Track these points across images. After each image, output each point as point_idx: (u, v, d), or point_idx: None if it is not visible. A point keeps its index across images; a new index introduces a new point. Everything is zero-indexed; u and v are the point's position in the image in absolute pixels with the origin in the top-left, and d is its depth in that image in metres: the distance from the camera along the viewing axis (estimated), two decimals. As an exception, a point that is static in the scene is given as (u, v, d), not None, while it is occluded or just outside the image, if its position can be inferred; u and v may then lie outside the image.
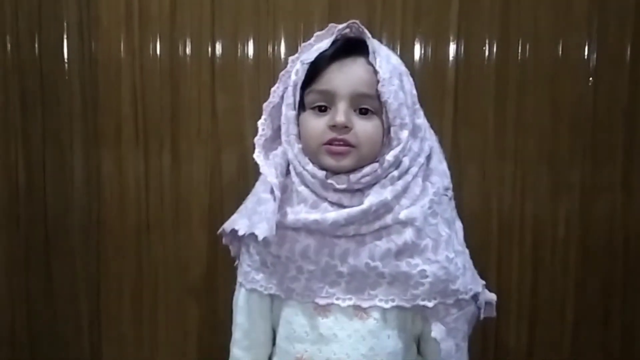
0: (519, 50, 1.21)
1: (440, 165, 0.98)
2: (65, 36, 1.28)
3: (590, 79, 1.21)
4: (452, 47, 1.22)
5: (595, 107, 1.21)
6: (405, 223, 0.90)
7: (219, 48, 1.26)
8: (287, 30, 1.24)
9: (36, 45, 1.29)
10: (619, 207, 1.23)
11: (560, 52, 1.21)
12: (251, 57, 1.25)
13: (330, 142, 0.91)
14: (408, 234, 0.90)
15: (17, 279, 1.33)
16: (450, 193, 0.98)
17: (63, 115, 1.29)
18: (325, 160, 0.92)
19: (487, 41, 1.21)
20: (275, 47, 1.24)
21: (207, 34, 1.25)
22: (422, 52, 1.22)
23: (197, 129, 1.27)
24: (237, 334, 1.00)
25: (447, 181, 0.97)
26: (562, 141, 1.22)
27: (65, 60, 1.28)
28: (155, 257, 1.30)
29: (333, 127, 0.90)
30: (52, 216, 1.32)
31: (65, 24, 1.28)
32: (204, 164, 1.27)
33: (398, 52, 1.21)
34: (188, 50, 1.26)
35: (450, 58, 1.22)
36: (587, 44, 1.20)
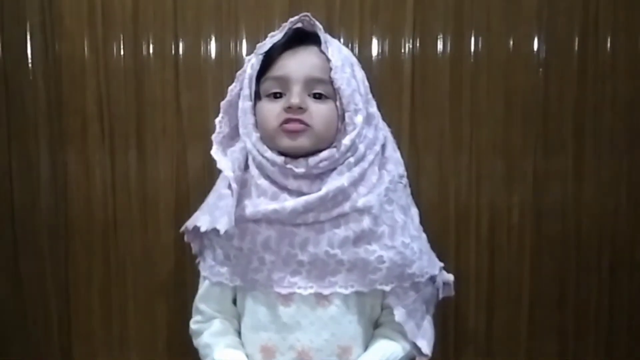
0: (472, 44, 1.25)
1: (394, 153, 1.01)
2: (28, 36, 1.29)
3: (540, 69, 1.25)
4: (408, 42, 1.25)
5: (546, 98, 1.25)
6: (362, 211, 0.93)
7: (182, 47, 1.27)
8: (248, 29, 1.26)
9: (-1, 47, 1.30)
10: (570, 194, 1.27)
11: (511, 45, 1.25)
12: (214, 55, 1.27)
13: (286, 122, 0.93)
14: (365, 222, 0.93)
15: (-16, 280, 1.34)
16: (405, 180, 1.01)
17: (28, 115, 1.30)
18: (282, 141, 0.94)
19: (441, 36, 1.25)
20: (237, 45, 1.26)
21: (169, 33, 1.27)
22: (380, 47, 1.26)
23: (162, 127, 1.29)
24: (198, 317, 1.03)
25: (401, 169, 1.01)
26: (515, 131, 1.26)
27: (29, 61, 1.29)
28: (123, 254, 1.31)
29: (288, 108, 0.92)
30: (19, 216, 1.32)
31: (28, 24, 1.28)
32: (170, 161, 1.29)
33: (357, 48, 1.26)
34: (151, 49, 1.28)
35: (407, 53, 1.25)
36: (537, 36, 1.24)
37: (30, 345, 1.34)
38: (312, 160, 0.93)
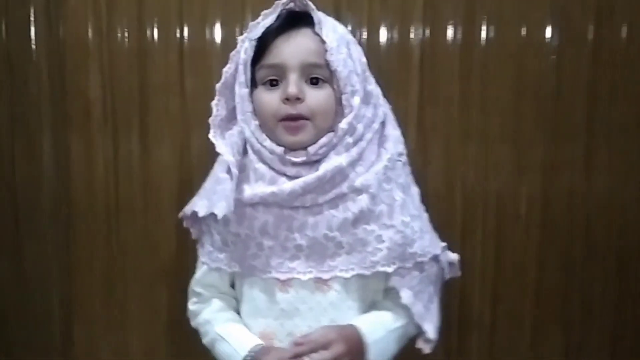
0: (484, 31, 1.22)
1: (394, 131, 0.99)
2: (32, 18, 1.27)
3: (553, 57, 1.22)
4: (418, 29, 1.23)
5: (558, 86, 1.23)
6: (360, 190, 0.92)
7: (186, 31, 1.26)
8: (254, 14, 1.21)
9: (3, 27, 1.28)
10: (580, 185, 1.25)
11: (523, 32, 1.22)
12: (219, 40, 1.25)
13: (285, 119, 0.92)
14: (363, 201, 0.91)
15: (-13, 262, 1.34)
16: (404, 158, 0.99)
17: (31, 97, 1.29)
18: (283, 137, 0.93)
19: (452, 22, 1.22)
20: (243, 30, 1.22)
21: (174, 17, 1.25)
22: (388, 34, 1.23)
23: (165, 111, 1.27)
24: (194, 299, 1.03)
25: (400, 147, 0.99)
26: (525, 120, 1.24)
27: (33, 42, 1.28)
28: (125, 238, 1.31)
29: (286, 100, 0.91)
30: (22, 199, 1.32)
31: (32, 6, 1.27)
32: (173, 146, 1.28)
33: (365, 35, 1.24)
34: (156, 33, 1.26)
35: (416, 40, 1.23)
36: (550, 23, 1.22)
37: (32, 329, 1.34)
38: (312, 148, 0.93)
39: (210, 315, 1.00)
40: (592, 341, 1.29)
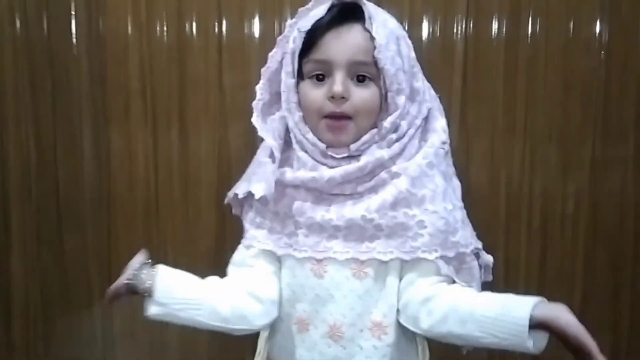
0: (530, 26, 1.19)
1: (437, 123, 0.96)
2: (72, 13, 1.28)
3: (602, 52, 1.19)
4: (461, 23, 1.20)
5: (607, 83, 1.20)
6: (398, 174, 0.90)
7: (225, 25, 1.25)
8: (292, 7, 1.23)
9: (44, 23, 1.29)
10: (630, 183, 1.22)
11: (571, 27, 1.19)
12: (257, 34, 1.25)
13: (329, 116, 0.91)
14: (402, 183, 0.89)
15: (30, 254, 1.36)
16: (446, 147, 0.96)
17: (72, 92, 1.30)
18: (324, 135, 0.92)
19: (497, 17, 1.20)
20: (282, 24, 1.24)
21: (213, 11, 1.25)
22: (431, 28, 1.21)
23: (204, 105, 1.28)
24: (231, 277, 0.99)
25: (444, 136, 0.95)
26: (573, 117, 1.21)
27: (73, 38, 1.29)
28: (165, 231, 1.32)
29: (331, 97, 0.90)
30: (64, 191, 1.34)
31: (72, 1, 1.28)
32: (212, 139, 1.28)
33: (406, 29, 1.19)
34: (195, 28, 1.26)
35: (459, 34, 1.21)
36: (599, 18, 1.18)
37: (73, 320, 1.36)
38: (354, 146, 0.92)
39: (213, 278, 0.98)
40: (642, 345, 1.26)
